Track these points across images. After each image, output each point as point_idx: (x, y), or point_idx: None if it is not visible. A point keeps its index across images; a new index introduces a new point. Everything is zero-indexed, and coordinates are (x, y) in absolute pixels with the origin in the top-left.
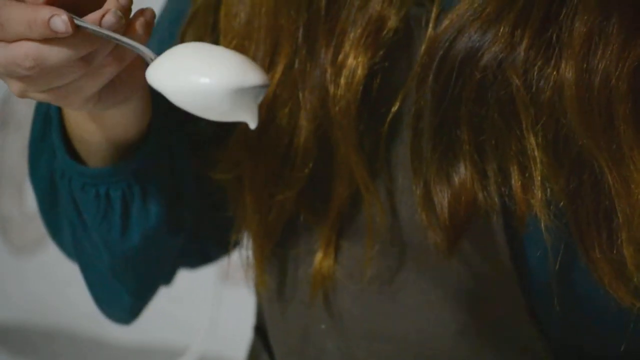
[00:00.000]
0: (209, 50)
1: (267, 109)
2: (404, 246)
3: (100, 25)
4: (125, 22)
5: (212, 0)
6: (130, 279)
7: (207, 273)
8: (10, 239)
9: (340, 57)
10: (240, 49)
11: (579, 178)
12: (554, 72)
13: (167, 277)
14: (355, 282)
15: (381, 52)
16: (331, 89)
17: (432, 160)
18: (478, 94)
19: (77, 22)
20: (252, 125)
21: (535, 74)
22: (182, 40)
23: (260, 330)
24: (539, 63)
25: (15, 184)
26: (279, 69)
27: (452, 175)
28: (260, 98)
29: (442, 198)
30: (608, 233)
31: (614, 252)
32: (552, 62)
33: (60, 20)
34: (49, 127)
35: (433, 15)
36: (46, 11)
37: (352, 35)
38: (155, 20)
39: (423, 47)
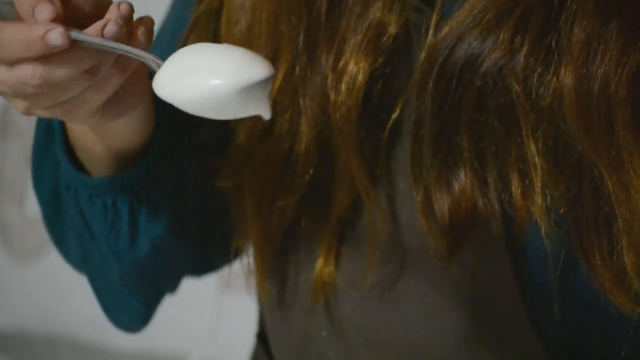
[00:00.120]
0: (211, 51)
1: None
2: (404, 253)
3: (102, 35)
4: (127, 30)
5: (214, 7)
6: (140, 287)
7: (209, 280)
8: (11, 246)
9: (341, 63)
10: None
11: (579, 184)
12: (554, 79)
13: (172, 285)
14: (356, 288)
15: (381, 59)
16: (332, 95)
17: (432, 167)
18: (478, 100)
19: (79, 36)
20: (267, 115)
21: (535, 80)
22: (184, 46)
23: (262, 336)
24: (539, 70)
25: (16, 190)
26: (280, 75)
27: (452, 182)
28: (269, 88)
29: (443, 205)
30: (608, 239)
31: (615, 258)
32: (552, 68)
33: (56, 34)
34: (51, 138)
35: (433, 22)
36: (40, 28)
37: (352, 41)
38: (158, 29)
39: (423, 54)
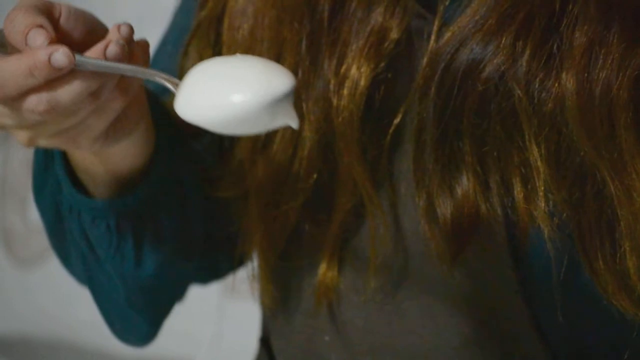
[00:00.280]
0: (228, 65)
1: None
2: (406, 258)
3: (105, 56)
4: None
5: (215, 13)
6: (146, 307)
7: (212, 286)
8: (13, 251)
9: (343, 68)
10: None
11: (581, 189)
12: (556, 84)
13: (179, 297)
14: (359, 293)
15: (383, 64)
16: (334, 100)
17: (434, 172)
18: (480, 105)
19: (88, 61)
20: (295, 124)
21: (537, 85)
22: (186, 53)
23: (266, 341)
24: (541, 75)
25: (18, 196)
26: None
27: (455, 186)
28: (292, 96)
29: (445, 209)
30: (611, 243)
31: (617, 262)
32: (553, 73)
33: (60, 55)
34: (51, 159)
35: (435, 27)
36: (43, 51)
37: (354, 46)
38: (162, 37)
39: (425, 60)
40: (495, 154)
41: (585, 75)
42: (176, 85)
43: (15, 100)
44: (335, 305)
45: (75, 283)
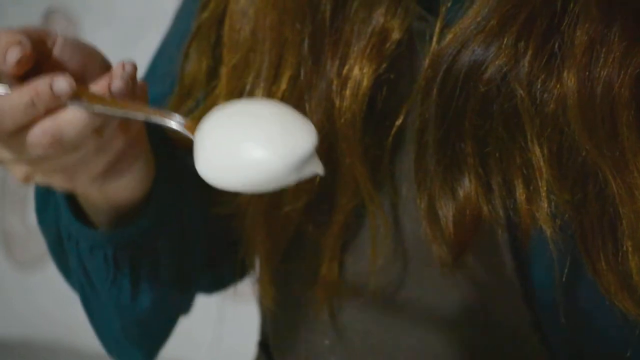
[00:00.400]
0: (251, 117)
1: None
2: (407, 260)
3: (109, 91)
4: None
5: (216, 15)
6: (142, 338)
7: None
8: (13, 254)
9: (346, 68)
10: (245, 62)
11: (583, 189)
12: (557, 85)
13: (185, 309)
14: (359, 296)
15: (385, 65)
16: (337, 101)
17: (436, 174)
18: (482, 107)
19: (94, 108)
20: (321, 171)
21: (539, 86)
22: (186, 56)
23: (265, 345)
24: (542, 76)
25: (18, 199)
26: (284, 80)
27: (457, 188)
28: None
29: (447, 211)
30: (613, 244)
31: (620, 262)
32: (555, 74)
33: (62, 81)
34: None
35: (437, 29)
36: (44, 80)
37: (356, 47)
38: (162, 41)
39: (427, 61)
40: (497, 155)
41: (587, 73)
42: (192, 130)
43: (15, 134)
44: (336, 308)
45: None
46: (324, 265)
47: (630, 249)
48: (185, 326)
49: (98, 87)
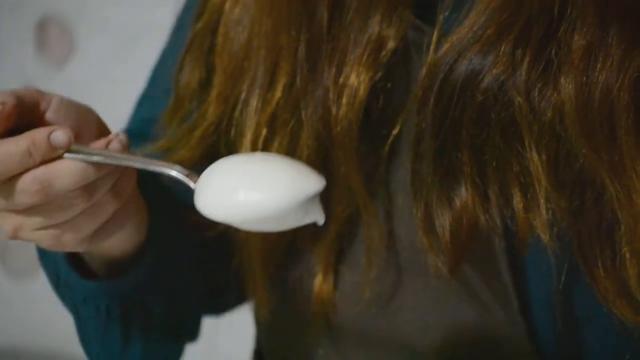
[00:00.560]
0: (254, 164)
1: (269, 128)
2: (402, 270)
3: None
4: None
5: (210, 25)
6: None
7: None
8: (8, 263)
9: (342, 76)
10: (240, 70)
11: (581, 197)
12: (555, 93)
13: (193, 334)
14: (354, 305)
15: (381, 73)
16: (333, 109)
17: (433, 183)
18: (479, 116)
19: (93, 159)
20: (321, 220)
21: (537, 94)
22: (181, 67)
23: (259, 354)
24: (540, 84)
25: None
26: (279, 87)
27: (454, 198)
28: (318, 195)
29: (444, 221)
30: (611, 250)
31: (618, 269)
32: (552, 81)
33: (60, 133)
34: None
35: (434, 38)
36: (44, 130)
37: (352, 55)
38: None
39: (424, 71)
40: (494, 163)
41: (584, 78)
42: (194, 178)
43: (6, 180)
44: (331, 317)
45: None
46: (319, 274)
47: (628, 255)
48: None
49: (95, 146)
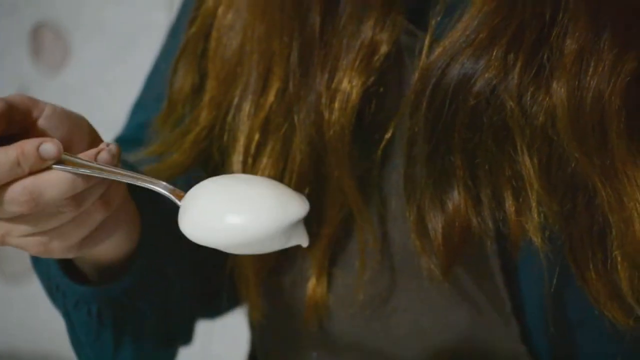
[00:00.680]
0: (239, 186)
1: (261, 133)
2: (395, 272)
3: (95, 160)
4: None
5: (203, 30)
6: None
7: None
8: (1, 267)
9: (335, 81)
10: (232, 75)
11: (572, 200)
12: (547, 98)
13: (185, 339)
14: (347, 308)
15: (373, 77)
16: (326, 114)
17: (425, 187)
18: (471, 120)
19: (80, 171)
20: (305, 243)
21: (529, 98)
22: (175, 71)
23: (254, 357)
24: (532, 88)
25: None
26: (272, 92)
27: (446, 201)
28: (302, 219)
29: (436, 224)
30: (603, 253)
31: (609, 272)
32: (544, 85)
33: (50, 145)
34: None
35: (426, 42)
36: (34, 141)
37: (345, 60)
38: (155, 59)
39: (416, 75)
40: (486, 167)
41: (576, 83)
42: (179, 197)
43: None
44: (325, 321)
45: None
46: (312, 278)
47: (619, 258)
48: None
49: (85, 156)
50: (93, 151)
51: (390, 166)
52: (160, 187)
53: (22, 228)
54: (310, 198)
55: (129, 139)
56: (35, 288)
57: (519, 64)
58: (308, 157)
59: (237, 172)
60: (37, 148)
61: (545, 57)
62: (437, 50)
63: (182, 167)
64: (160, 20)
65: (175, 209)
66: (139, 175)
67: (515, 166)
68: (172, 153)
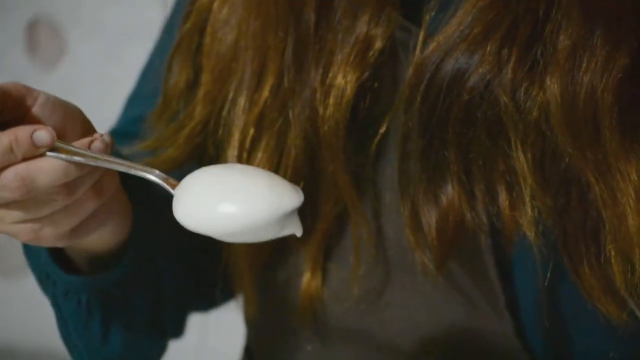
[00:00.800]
0: (234, 176)
1: (256, 128)
2: (390, 267)
3: (89, 149)
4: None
5: (198, 26)
6: None
7: None
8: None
9: (329, 76)
10: (227, 71)
11: (566, 195)
12: (540, 93)
13: (177, 331)
14: (342, 302)
15: (368, 73)
16: (320, 109)
17: (419, 181)
18: (465, 115)
19: (73, 159)
20: (299, 233)
21: (523, 93)
22: (169, 67)
23: (250, 350)
24: (526, 83)
25: None
26: (267, 88)
27: (440, 195)
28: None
29: (430, 218)
30: (596, 248)
31: (603, 266)
32: (537, 81)
33: (43, 132)
34: None
35: (420, 38)
36: (27, 128)
37: (340, 55)
38: (150, 56)
39: (410, 70)
40: (480, 162)
41: (570, 78)
42: (173, 186)
43: None
44: (319, 315)
45: None
46: (307, 272)
47: (612, 252)
48: None
49: (78, 145)
50: (86, 140)
51: (384, 161)
52: (154, 176)
53: (14, 214)
54: (304, 193)
55: (121, 132)
56: (33, 284)
57: (512, 59)
58: (303, 152)
59: None
60: (31, 135)
61: (539, 52)
62: (432, 46)
63: (176, 161)
64: (156, 17)
65: (168, 201)
66: (132, 164)
67: (509, 161)
68: (167, 148)
